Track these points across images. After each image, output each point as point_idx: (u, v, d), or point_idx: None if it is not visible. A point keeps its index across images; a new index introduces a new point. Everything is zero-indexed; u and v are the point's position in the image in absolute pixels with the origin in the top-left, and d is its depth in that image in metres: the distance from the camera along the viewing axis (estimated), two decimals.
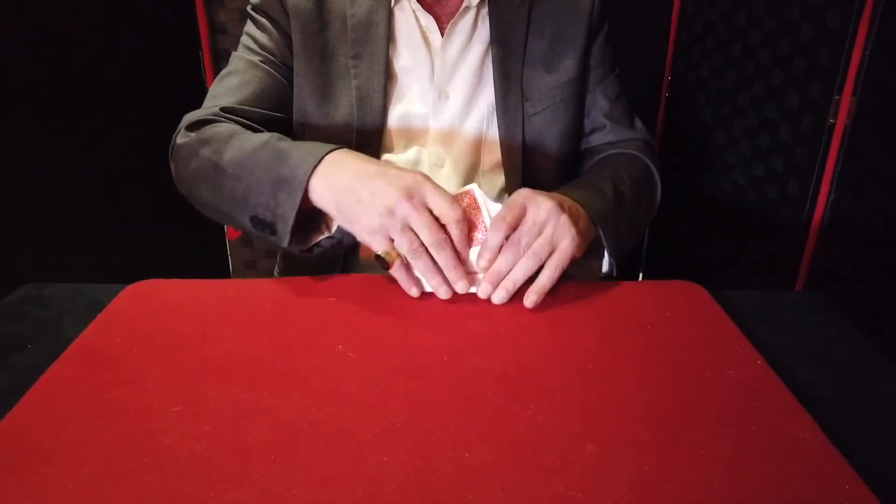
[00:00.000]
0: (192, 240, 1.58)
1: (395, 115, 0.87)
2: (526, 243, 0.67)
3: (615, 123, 0.95)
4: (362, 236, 0.65)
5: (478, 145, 0.90)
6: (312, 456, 0.46)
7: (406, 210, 0.63)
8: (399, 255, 0.64)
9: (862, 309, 1.02)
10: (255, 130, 0.79)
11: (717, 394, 0.54)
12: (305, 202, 0.67)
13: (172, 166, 0.81)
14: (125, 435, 0.48)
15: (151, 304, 0.65)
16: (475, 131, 0.89)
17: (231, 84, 0.84)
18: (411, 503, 0.43)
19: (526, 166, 0.90)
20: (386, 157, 0.88)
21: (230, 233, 1.66)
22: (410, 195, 0.63)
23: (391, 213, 0.63)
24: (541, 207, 0.68)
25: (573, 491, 0.44)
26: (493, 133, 0.90)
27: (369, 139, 0.87)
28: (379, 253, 0.64)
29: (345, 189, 0.65)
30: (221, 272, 1.74)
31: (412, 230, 0.63)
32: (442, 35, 0.87)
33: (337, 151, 0.68)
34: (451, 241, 0.65)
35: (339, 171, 0.66)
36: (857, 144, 1.04)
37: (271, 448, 0.47)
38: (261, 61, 0.86)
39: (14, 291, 0.70)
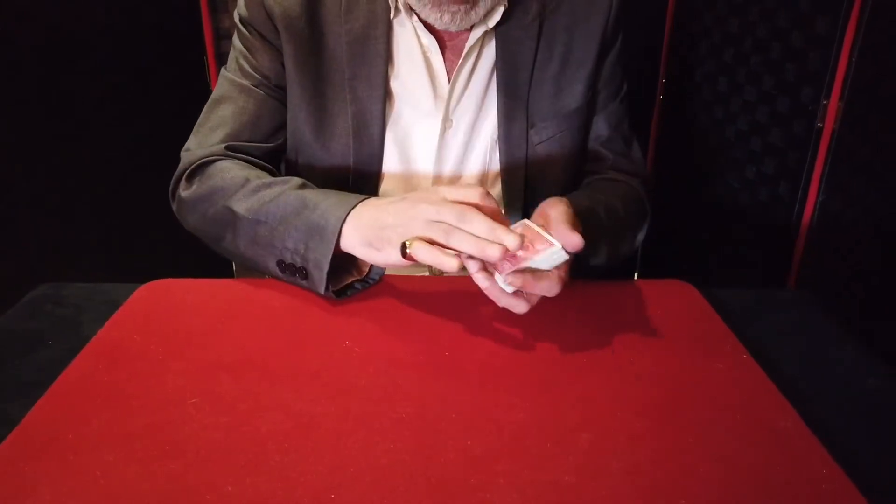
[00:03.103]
0: (196, 240, 1.61)
1: (394, 145, 0.82)
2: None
3: (614, 155, 0.90)
4: (396, 258, 0.61)
5: (482, 176, 0.85)
6: (324, 444, 0.49)
7: (425, 208, 0.61)
8: (419, 238, 0.60)
9: (849, 306, 1.05)
10: (259, 167, 0.78)
11: (705, 387, 0.57)
12: (336, 249, 0.65)
13: (177, 211, 0.80)
14: (146, 425, 0.50)
15: (166, 302, 0.67)
16: (479, 161, 0.85)
17: (224, 114, 0.80)
18: (417, 488, 0.45)
19: (527, 200, 0.85)
20: (383, 189, 0.84)
21: None
22: (429, 199, 0.62)
23: (414, 217, 0.61)
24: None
25: (569, 476, 0.47)
26: (495, 164, 0.85)
27: (366, 170, 0.82)
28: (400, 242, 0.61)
29: (370, 223, 0.64)
30: (225, 271, 1.77)
31: (436, 221, 0.60)
32: (443, 55, 0.81)
33: (367, 199, 0.67)
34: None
35: (365, 211, 0.65)
36: (845, 148, 1.07)
37: (285, 437, 0.49)
38: (253, 85, 0.81)
39: (31, 291, 0.73)
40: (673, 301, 0.72)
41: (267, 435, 0.50)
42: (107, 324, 0.63)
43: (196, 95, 1.58)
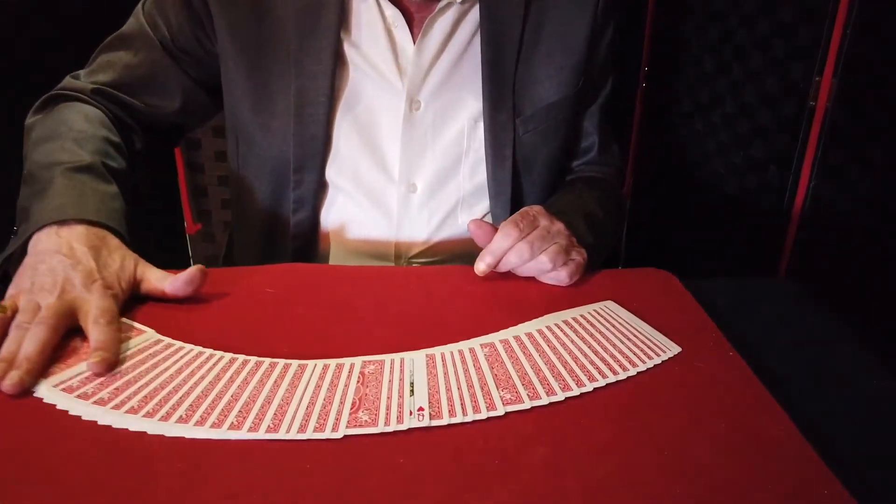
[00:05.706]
0: (152, 235, 1.54)
1: (349, 127, 0.75)
2: (538, 247, 0.63)
3: (601, 151, 0.87)
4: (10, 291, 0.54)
5: (457, 165, 0.79)
6: (227, 465, 0.41)
7: (48, 282, 0.53)
8: (12, 312, 0.51)
9: (844, 298, 0.98)
10: (122, 121, 0.75)
11: (685, 387, 0.50)
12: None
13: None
14: (12, 447, 0.42)
15: None
16: (454, 148, 0.78)
17: (119, 59, 0.75)
18: None
19: (515, 191, 0.80)
20: (339, 183, 0.76)
21: (189, 227, 1.60)
22: (71, 276, 0.54)
23: (43, 284, 0.53)
24: (555, 224, 0.66)
25: (517, 499, 0.39)
26: (476, 151, 0.78)
27: (309, 156, 0.74)
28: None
29: (37, 254, 0.56)
30: (182, 267, 1.70)
31: (39, 305, 0.51)
32: (411, 30, 0.73)
33: (74, 225, 0.58)
34: (53, 336, 0.50)
35: (49, 240, 0.56)
36: (838, 128, 1.00)
37: (179, 459, 0.41)
38: (159, 40, 0.74)
39: None
40: (651, 291, 0.65)
41: (157, 456, 0.41)
42: None
43: None
